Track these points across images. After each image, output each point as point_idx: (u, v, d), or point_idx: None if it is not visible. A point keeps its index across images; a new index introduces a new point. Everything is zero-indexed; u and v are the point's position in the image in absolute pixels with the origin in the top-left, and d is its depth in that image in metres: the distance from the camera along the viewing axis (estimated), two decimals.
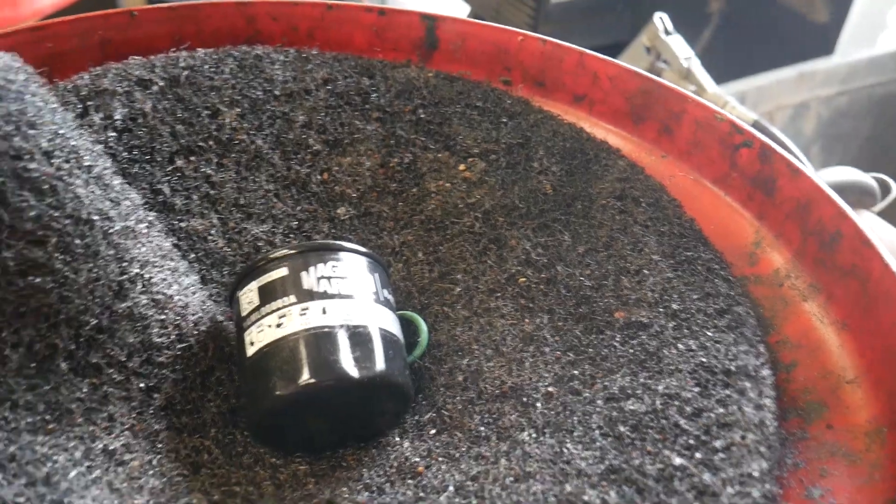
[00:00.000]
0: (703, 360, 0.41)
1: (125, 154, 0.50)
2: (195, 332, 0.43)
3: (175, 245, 0.49)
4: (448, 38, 0.60)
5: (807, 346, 0.42)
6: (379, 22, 0.60)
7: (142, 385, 0.41)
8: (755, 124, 1.06)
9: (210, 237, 0.50)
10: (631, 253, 0.48)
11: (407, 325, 0.48)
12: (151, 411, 0.41)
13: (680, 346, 0.42)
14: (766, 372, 0.40)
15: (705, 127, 0.52)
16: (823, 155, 1.54)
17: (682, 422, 0.37)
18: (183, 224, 0.50)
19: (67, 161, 0.40)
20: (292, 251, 0.43)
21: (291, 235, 0.52)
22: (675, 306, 0.44)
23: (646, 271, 0.46)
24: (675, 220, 0.49)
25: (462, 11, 2.00)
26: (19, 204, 0.37)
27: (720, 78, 1.17)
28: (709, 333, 0.42)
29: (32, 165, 0.38)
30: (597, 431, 0.39)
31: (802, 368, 0.41)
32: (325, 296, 0.41)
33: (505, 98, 0.57)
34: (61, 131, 0.40)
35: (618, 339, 0.43)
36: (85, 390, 0.39)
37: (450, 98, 0.57)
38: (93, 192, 0.40)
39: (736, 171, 0.50)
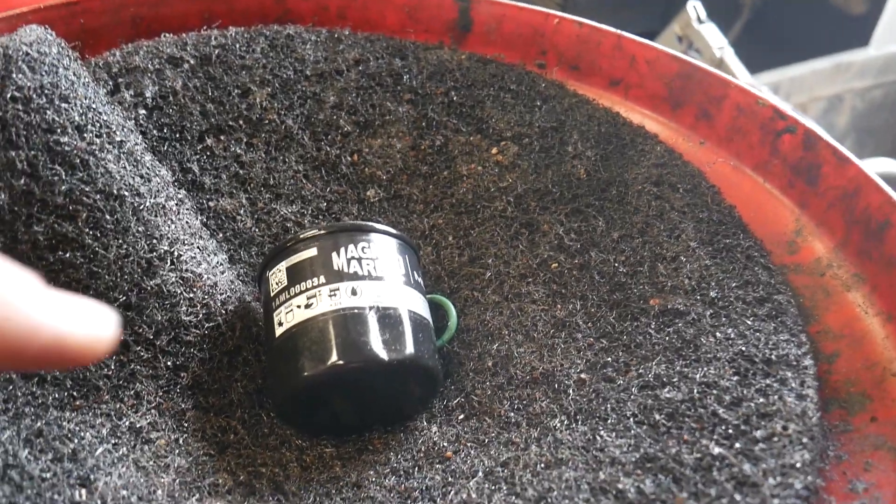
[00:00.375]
0: (742, 348, 0.39)
1: (155, 132, 0.50)
2: (223, 312, 0.43)
3: (203, 224, 0.48)
4: (482, 20, 0.59)
5: (849, 336, 0.41)
6: (411, 2, 0.59)
7: (169, 363, 0.40)
8: None
9: (238, 217, 0.50)
10: (667, 239, 0.46)
11: (436, 309, 0.47)
12: (178, 390, 0.41)
13: (718, 334, 0.41)
14: (808, 362, 0.38)
15: (747, 112, 0.50)
16: (857, 147, 1.50)
17: (720, 411, 0.36)
18: (212, 203, 0.50)
19: (99, 136, 0.39)
20: (322, 231, 0.42)
21: (320, 217, 0.52)
22: (712, 294, 0.43)
23: (682, 258, 0.45)
24: (714, 206, 0.47)
25: None
26: (51, 178, 0.37)
27: (752, 68, 1.15)
28: (748, 322, 0.41)
29: (64, 139, 0.37)
30: (631, 419, 0.38)
31: (845, 359, 0.40)
32: (355, 277, 0.41)
33: (539, 81, 0.56)
34: (93, 105, 0.40)
35: (653, 327, 0.42)
36: (112, 367, 0.39)
37: (483, 81, 0.56)
38: (124, 167, 0.40)
39: (777, 158, 0.49)
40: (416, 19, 0.60)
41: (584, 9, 1.57)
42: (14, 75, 0.37)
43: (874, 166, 0.92)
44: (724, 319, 0.41)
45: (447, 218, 0.52)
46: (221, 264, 0.45)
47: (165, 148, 0.50)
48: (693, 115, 0.53)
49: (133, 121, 0.49)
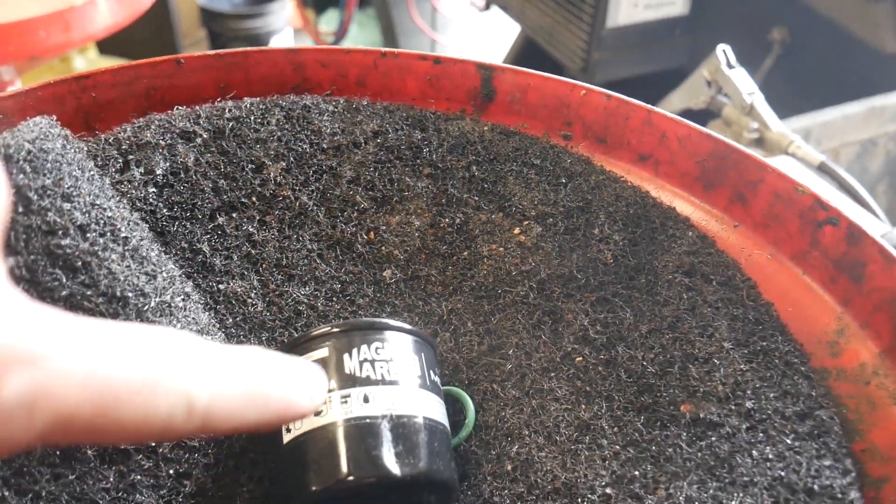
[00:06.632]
0: (782, 473, 0.37)
1: (165, 211, 0.48)
2: None
3: (213, 309, 0.47)
4: (506, 90, 0.57)
5: None
6: (433, 70, 0.57)
7: (171, 471, 0.38)
8: (821, 166, 1.01)
9: (249, 300, 0.48)
10: (699, 338, 0.44)
11: (453, 402, 0.45)
12: (181, 499, 0.39)
13: (754, 453, 0.38)
14: (854, 494, 0.36)
15: (785, 199, 0.47)
16: (891, 192, 1.47)
17: None
18: (222, 286, 0.48)
19: (103, 234, 0.37)
20: (335, 330, 0.40)
21: (334, 299, 0.50)
22: (748, 404, 0.40)
23: (716, 360, 0.42)
24: (750, 303, 0.45)
25: (513, 30, 1.97)
26: (50, 283, 0.35)
27: (780, 108, 1.12)
28: (787, 441, 0.38)
29: (66, 241, 0.36)
30: None
31: (893, 487, 0.37)
32: (367, 382, 0.39)
33: (565, 156, 0.54)
34: (98, 202, 0.38)
35: (684, 438, 0.40)
36: (112, 479, 0.37)
37: (506, 155, 0.54)
38: (128, 266, 0.38)
39: (817, 250, 0.46)
40: (437, 87, 0.58)
41: (610, 45, 1.55)
42: (14, 176, 0.35)
43: None
44: (761, 436, 0.39)
45: (466, 302, 0.50)
46: None
47: (175, 228, 0.48)
48: (727, 198, 0.51)
49: (142, 200, 0.47)
